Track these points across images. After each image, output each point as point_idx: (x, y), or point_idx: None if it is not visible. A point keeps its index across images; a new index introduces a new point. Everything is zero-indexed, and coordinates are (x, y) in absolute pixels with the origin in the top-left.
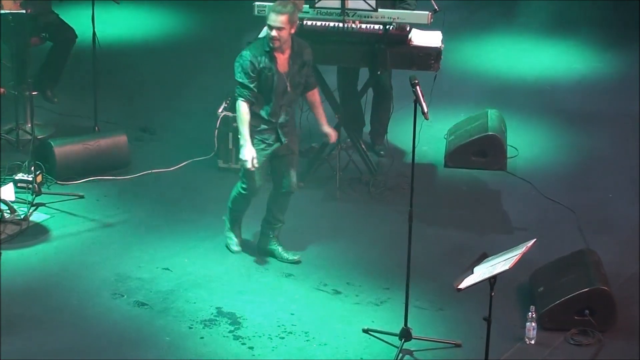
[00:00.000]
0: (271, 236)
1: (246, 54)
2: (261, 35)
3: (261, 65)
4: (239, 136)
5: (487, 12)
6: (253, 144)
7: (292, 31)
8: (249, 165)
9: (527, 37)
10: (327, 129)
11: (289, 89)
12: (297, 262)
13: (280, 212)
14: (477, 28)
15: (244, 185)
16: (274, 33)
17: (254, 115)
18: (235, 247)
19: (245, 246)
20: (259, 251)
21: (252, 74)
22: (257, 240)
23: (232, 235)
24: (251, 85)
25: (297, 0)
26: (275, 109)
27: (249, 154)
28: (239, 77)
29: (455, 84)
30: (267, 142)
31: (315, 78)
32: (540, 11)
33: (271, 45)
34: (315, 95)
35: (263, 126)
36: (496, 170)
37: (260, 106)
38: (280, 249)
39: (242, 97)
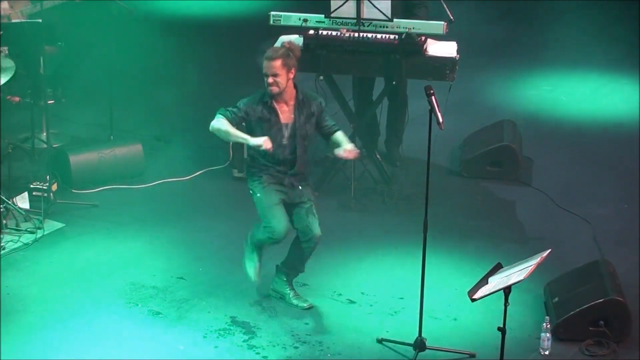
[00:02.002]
0: (285, 280)
1: (242, 102)
2: (276, 44)
3: (257, 115)
4: (237, 140)
5: (504, 25)
6: (265, 181)
7: (291, 76)
8: (267, 144)
9: (542, 47)
10: (347, 146)
11: (294, 141)
12: (308, 309)
13: (300, 261)
14: (492, 39)
15: (268, 233)
16: (270, 80)
17: (264, 163)
18: (255, 277)
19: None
20: (272, 289)
21: (238, 113)
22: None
23: (252, 262)
24: (233, 115)
25: (292, 47)
26: (283, 159)
27: (258, 139)
28: (224, 112)
29: (470, 94)
30: (281, 186)
31: (330, 88)
32: (563, 22)
33: (270, 92)
34: (337, 136)
35: (274, 174)
36: (511, 180)
37: (266, 155)
38: (291, 294)
39: (223, 116)
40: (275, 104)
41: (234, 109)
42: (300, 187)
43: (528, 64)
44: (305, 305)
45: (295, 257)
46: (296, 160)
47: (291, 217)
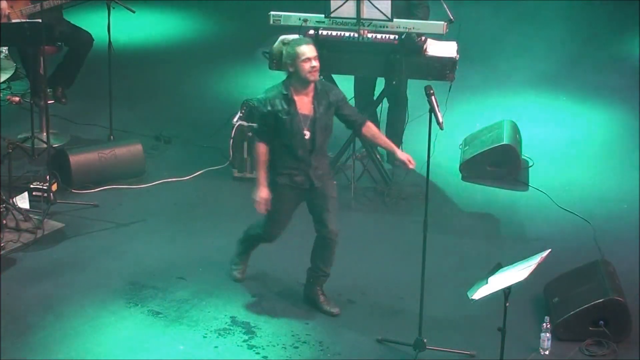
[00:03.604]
0: (312, 283)
1: (261, 97)
2: (276, 44)
3: (277, 108)
4: (257, 175)
5: (505, 25)
6: (280, 184)
7: None
8: (260, 207)
9: (542, 47)
10: (402, 155)
11: (314, 132)
12: (335, 315)
13: (322, 261)
14: (493, 39)
15: (262, 230)
16: (314, 63)
17: (282, 156)
18: (239, 275)
19: (259, 256)
20: (304, 296)
21: (265, 118)
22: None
23: (238, 262)
24: (265, 128)
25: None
26: (302, 152)
27: (261, 194)
28: (256, 119)
29: (470, 93)
30: (296, 183)
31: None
32: (564, 22)
33: (310, 78)
34: (371, 129)
35: (292, 169)
36: (511, 180)
37: (287, 149)
38: (321, 298)
39: (259, 138)
40: (294, 96)
41: (265, 126)
42: (321, 183)
43: (528, 63)
44: (335, 311)
45: (316, 256)
46: (316, 153)
47: (310, 207)
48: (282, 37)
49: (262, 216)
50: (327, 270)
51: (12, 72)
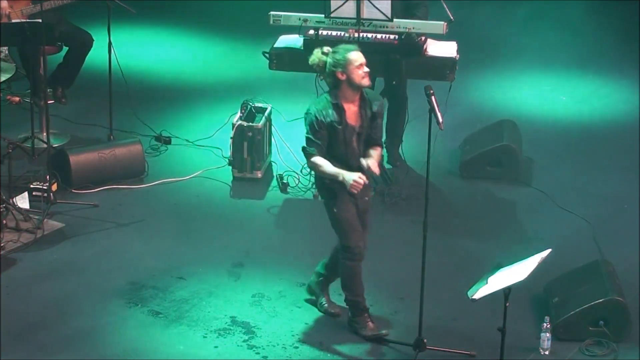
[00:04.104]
0: (317, 283)
1: (312, 109)
2: (278, 45)
3: (328, 119)
4: (332, 178)
5: (505, 25)
6: (339, 191)
7: None
8: (359, 184)
9: (542, 47)
10: (365, 161)
11: (359, 142)
12: (336, 315)
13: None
14: (493, 39)
15: (348, 247)
16: (366, 69)
17: (336, 166)
18: (335, 309)
19: (260, 256)
20: (307, 285)
21: (319, 130)
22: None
23: (324, 300)
24: (319, 142)
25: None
26: (354, 162)
27: (352, 176)
28: (307, 133)
29: (470, 95)
30: (351, 192)
31: None
32: (563, 23)
33: (363, 84)
34: (377, 150)
35: None
36: (511, 180)
37: (339, 160)
38: (324, 299)
39: (315, 152)
40: (344, 105)
41: (317, 139)
42: (368, 196)
43: (528, 64)
44: (335, 311)
45: (337, 262)
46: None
47: None
48: (282, 38)
49: (338, 237)
50: (337, 278)
51: (12, 72)
